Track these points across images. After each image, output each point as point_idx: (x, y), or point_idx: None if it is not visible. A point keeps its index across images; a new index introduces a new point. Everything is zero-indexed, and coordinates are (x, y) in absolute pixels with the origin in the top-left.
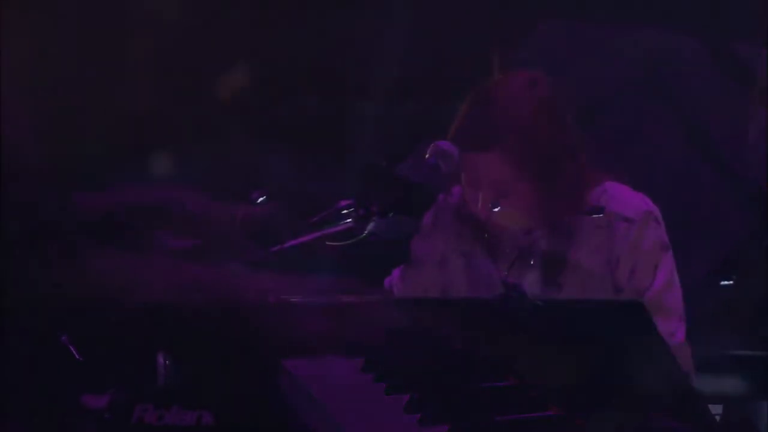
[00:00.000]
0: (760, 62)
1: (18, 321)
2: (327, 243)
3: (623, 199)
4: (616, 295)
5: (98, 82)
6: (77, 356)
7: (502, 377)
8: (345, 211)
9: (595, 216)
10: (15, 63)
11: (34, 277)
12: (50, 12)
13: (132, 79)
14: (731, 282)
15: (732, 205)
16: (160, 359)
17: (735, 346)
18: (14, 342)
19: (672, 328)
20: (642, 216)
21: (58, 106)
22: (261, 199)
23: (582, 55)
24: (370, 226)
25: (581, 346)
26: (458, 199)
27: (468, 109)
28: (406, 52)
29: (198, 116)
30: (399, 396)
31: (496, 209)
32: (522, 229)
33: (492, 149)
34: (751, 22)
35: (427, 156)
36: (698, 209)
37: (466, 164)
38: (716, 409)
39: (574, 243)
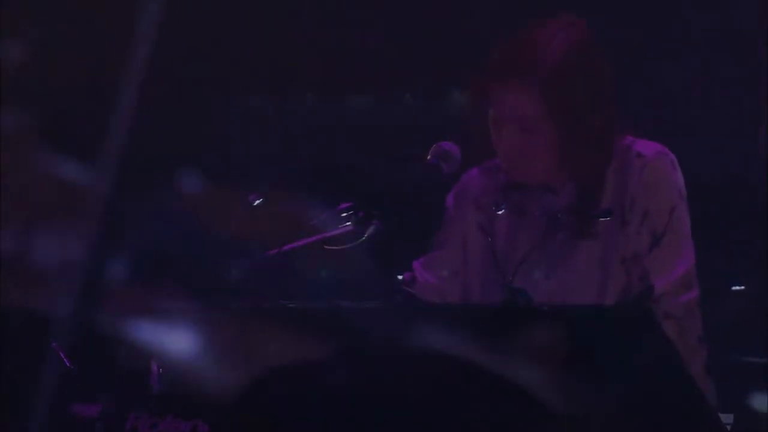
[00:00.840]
0: (760, 62)
1: (7, 328)
2: (325, 247)
3: (645, 144)
4: (625, 248)
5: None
6: (67, 363)
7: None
8: (344, 214)
9: (602, 219)
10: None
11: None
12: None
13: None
14: (742, 287)
15: (733, 206)
16: (154, 367)
17: (745, 354)
18: (3, 349)
19: (690, 278)
20: (656, 155)
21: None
22: (258, 201)
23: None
24: (370, 229)
25: (587, 352)
26: (479, 176)
27: (505, 43)
28: (406, 52)
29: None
30: None
31: (499, 212)
32: (546, 186)
33: (521, 83)
34: (751, 21)
35: (428, 157)
36: (699, 210)
37: (495, 97)
38: (727, 419)
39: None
